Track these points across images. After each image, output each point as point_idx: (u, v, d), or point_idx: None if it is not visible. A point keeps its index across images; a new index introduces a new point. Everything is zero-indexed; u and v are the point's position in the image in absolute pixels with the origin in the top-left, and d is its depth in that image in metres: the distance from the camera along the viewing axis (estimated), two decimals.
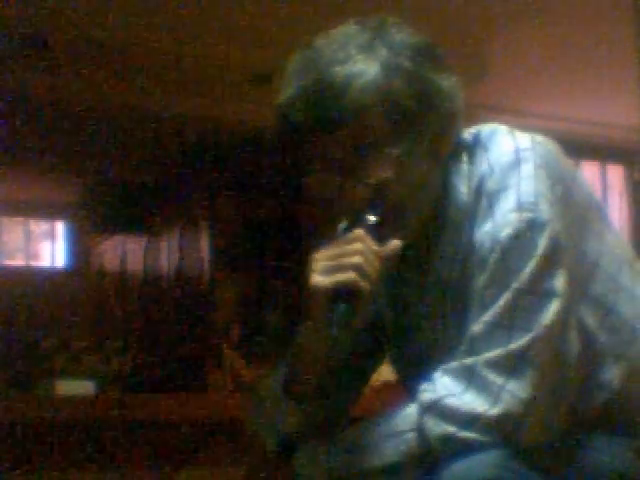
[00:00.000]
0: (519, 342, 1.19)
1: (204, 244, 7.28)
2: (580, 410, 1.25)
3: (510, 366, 1.18)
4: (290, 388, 1.32)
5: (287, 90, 1.26)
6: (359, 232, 1.26)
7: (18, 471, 3.05)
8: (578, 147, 6.05)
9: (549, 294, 1.20)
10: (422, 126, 1.27)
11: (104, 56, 5.48)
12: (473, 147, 1.33)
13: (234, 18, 5.01)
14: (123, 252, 9.02)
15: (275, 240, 7.09)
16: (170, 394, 5.37)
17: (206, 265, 7.23)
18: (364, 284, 1.23)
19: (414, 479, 1.20)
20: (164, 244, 8.07)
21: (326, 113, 1.23)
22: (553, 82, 6.04)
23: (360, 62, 1.24)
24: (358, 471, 1.23)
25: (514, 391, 1.17)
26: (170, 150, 7.31)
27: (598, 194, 7.10)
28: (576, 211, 1.28)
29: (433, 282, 1.33)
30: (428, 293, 1.33)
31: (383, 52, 1.25)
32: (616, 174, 7.39)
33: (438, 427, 1.18)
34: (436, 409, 1.19)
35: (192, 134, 6.89)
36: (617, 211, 7.28)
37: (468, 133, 1.36)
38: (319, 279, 1.25)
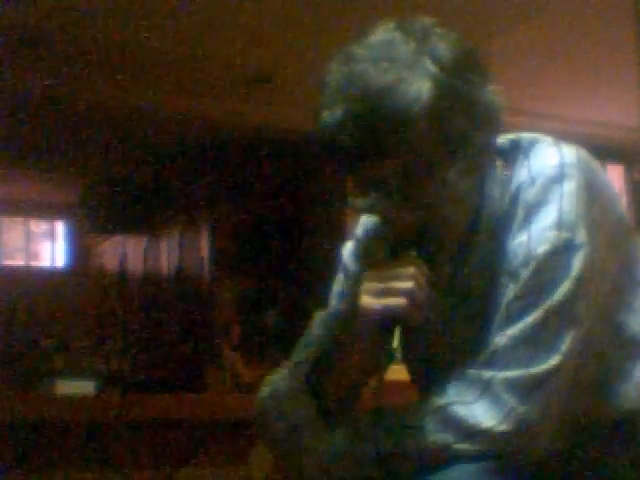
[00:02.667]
0: (540, 367, 1.18)
1: (204, 244, 7.29)
2: (588, 426, 1.26)
3: (526, 390, 1.18)
4: (315, 390, 1.32)
5: (334, 110, 1.20)
6: (412, 255, 1.25)
7: (18, 471, 3.05)
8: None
9: (575, 320, 1.20)
10: (472, 145, 1.24)
11: (104, 56, 5.48)
12: (511, 154, 1.32)
13: (234, 18, 5.01)
14: (123, 252, 9.02)
15: (275, 240, 7.09)
16: (170, 394, 5.36)
17: (206, 265, 7.23)
18: (414, 311, 1.23)
19: (412, 473, 1.21)
20: (164, 244, 8.07)
21: (380, 140, 1.19)
22: (553, 82, 6.04)
23: (413, 84, 1.18)
24: (362, 456, 1.23)
25: (525, 415, 1.18)
26: (170, 150, 7.31)
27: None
28: (607, 233, 1.27)
29: (460, 286, 1.32)
30: (453, 296, 1.32)
31: (432, 69, 1.20)
32: (616, 174, 7.39)
33: (437, 433, 1.19)
34: (441, 414, 1.20)
35: (192, 134, 6.89)
36: None
37: (505, 138, 1.34)
38: (369, 301, 1.23)
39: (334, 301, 1.47)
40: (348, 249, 1.48)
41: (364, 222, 1.47)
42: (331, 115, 1.20)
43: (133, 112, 6.32)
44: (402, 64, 1.20)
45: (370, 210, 1.28)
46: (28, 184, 8.98)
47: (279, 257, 7.06)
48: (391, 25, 1.25)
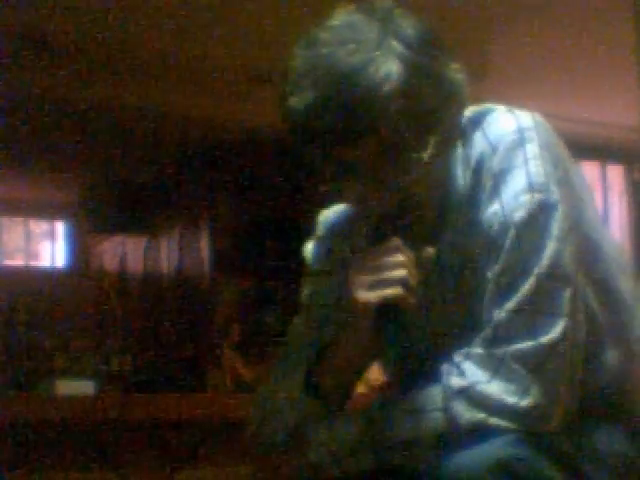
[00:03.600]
0: (548, 335, 1.19)
1: (204, 244, 7.29)
2: (582, 393, 1.25)
3: (538, 361, 1.19)
4: (315, 390, 1.32)
5: (303, 95, 1.18)
6: (397, 242, 1.24)
7: (18, 471, 3.05)
8: (578, 147, 6.04)
9: (567, 277, 1.21)
10: (442, 122, 1.23)
11: (104, 56, 5.48)
12: (467, 129, 1.31)
13: (234, 18, 5.01)
14: (123, 252, 9.01)
15: (275, 240, 7.09)
16: (170, 394, 5.36)
17: (206, 265, 7.23)
18: (409, 298, 1.23)
19: (428, 457, 1.21)
20: (164, 244, 8.07)
21: (353, 122, 1.17)
22: (553, 82, 6.04)
23: (382, 64, 1.17)
24: (376, 444, 1.23)
25: (542, 385, 1.18)
26: (170, 150, 7.31)
27: (598, 194, 7.11)
28: (575, 193, 1.28)
29: (435, 267, 1.31)
30: (431, 277, 1.32)
31: (399, 48, 1.19)
32: (616, 174, 7.39)
33: (468, 412, 1.19)
34: (466, 395, 1.20)
35: (192, 134, 6.89)
36: (617, 211, 7.28)
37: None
38: (364, 295, 1.23)
39: (306, 305, 1.45)
40: (310, 249, 1.49)
41: (324, 219, 1.47)
42: (300, 100, 1.19)
43: (133, 112, 6.32)
44: (369, 45, 1.19)
45: (346, 195, 1.27)
46: (28, 184, 8.97)
47: (279, 257, 7.06)
48: (351, 8, 1.25)
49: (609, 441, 1.26)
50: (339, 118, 1.17)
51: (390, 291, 1.22)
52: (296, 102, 1.19)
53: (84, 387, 4.41)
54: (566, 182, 1.25)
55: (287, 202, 7.09)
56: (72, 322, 8.97)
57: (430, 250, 1.27)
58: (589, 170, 7.04)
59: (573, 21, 5.14)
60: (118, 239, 9.07)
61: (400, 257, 1.23)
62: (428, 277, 1.30)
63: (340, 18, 1.24)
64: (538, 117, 1.30)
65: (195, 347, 7.24)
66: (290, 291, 7.15)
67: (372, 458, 1.24)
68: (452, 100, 1.25)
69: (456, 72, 1.26)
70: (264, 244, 7.08)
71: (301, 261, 1.52)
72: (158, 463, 3.27)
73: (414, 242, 1.27)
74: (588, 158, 6.95)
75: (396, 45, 1.20)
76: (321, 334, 1.39)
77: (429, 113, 1.21)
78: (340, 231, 1.43)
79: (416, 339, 1.36)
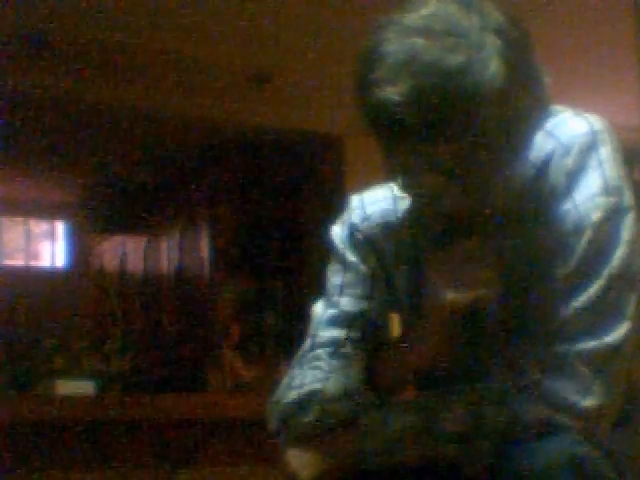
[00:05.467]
0: (613, 336, 1.19)
1: (204, 244, 7.28)
2: None
3: (602, 361, 1.19)
4: (369, 382, 1.33)
5: (398, 86, 1.12)
6: (478, 241, 1.25)
7: (18, 471, 3.05)
8: None
9: (634, 283, 1.22)
10: (529, 122, 1.21)
11: (104, 56, 5.48)
12: None
13: (234, 18, 5.01)
14: (123, 252, 9.01)
15: (275, 241, 7.09)
16: (170, 394, 5.36)
17: (206, 265, 7.23)
18: (494, 297, 1.24)
19: (484, 451, 1.20)
20: (164, 244, 8.07)
21: (450, 123, 1.13)
22: (553, 82, 6.03)
23: (487, 64, 1.12)
24: (432, 434, 1.23)
25: (605, 385, 1.19)
26: (170, 150, 7.31)
27: None
28: (635, 197, 1.29)
29: (497, 259, 1.30)
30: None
31: (501, 47, 1.14)
32: None
33: (533, 409, 1.19)
34: (530, 391, 1.20)
35: (192, 134, 6.89)
36: None
37: None
38: (454, 296, 1.23)
39: (335, 295, 1.42)
40: (340, 236, 1.43)
41: (359, 205, 1.43)
42: (395, 91, 1.12)
43: (133, 112, 6.32)
44: (470, 40, 1.13)
45: (425, 192, 1.22)
46: (28, 184, 8.97)
47: (279, 257, 7.06)
48: None
49: (627, 448, 1.27)
50: (438, 115, 1.12)
51: (478, 292, 1.22)
52: (391, 92, 1.12)
53: (84, 387, 4.41)
54: (632, 187, 1.27)
55: (287, 202, 7.08)
56: (72, 322, 8.97)
57: (504, 249, 1.27)
58: None
59: (573, 21, 5.14)
60: (118, 239, 9.07)
61: (483, 257, 1.23)
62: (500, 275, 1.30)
63: (433, 6, 1.17)
64: (606, 121, 1.31)
65: (195, 347, 7.24)
66: (290, 291, 7.17)
67: (426, 448, 1.23)
68: (543, 102, 1.24)
69: (544, 72, 1.26)
70: (264, 244, 7.08)
71: (324, 247, 1.47)
72: (158, 463, 3.27)
73: (485, 240, 1.27)
74: None
75: (498, 42, 1.15)
76: (357, 328, 1.37)
77: (523, 115, 1.19)
78: (382, 222, 1.40)
79: (481, 334, 1.35)
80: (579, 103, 1.30)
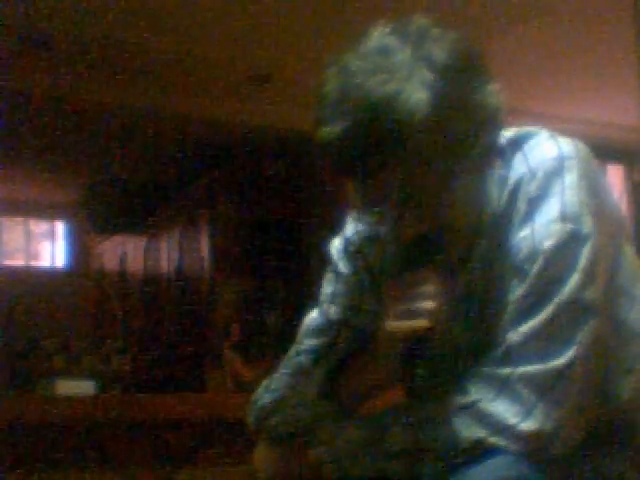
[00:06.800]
0: (558, 360, 1.19)
1: (204, 244, 7.29)
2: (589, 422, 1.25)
3: (545, 384, 1.19)
4: (330, 392, 1.35)
5: (333, 126, 1.18)
6: (428, 272, 1.25)
7: (18, 471, 3.05)
8: None
9: (588, 310, 1.20)
10: (476, 148, 1.23)
11: (104, 56, 5.48)
12: (506, 150, 1.31)
13: (234, 18, 5.01)
14: (123, 252, 9.02)
15: (275, 240, 7.09)
16: (170, 394, 5.36)
17: (206, 265, 7.23)
18: (437, 328, 1.23)
19: (428, 469, 1.22)
20: (164, 244, 8.07)
21: (381, 154, 1.17)
22: (553, 82, 6.04)
23: (411, 95, 1.16)
24: (378, 450, 1.24)
25: (546, 410, 1.18)
26: (170, 150, 7.31)
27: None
28: (606, 224, 1.27)
29: (461, 285, 1.32)
30: (455, 295, 1.32)
31: (429, 77, 1.18)
32: (616, 174, 7.39)
33: (468, 429, 1.20)
34: (468, 412, 1.21)
35: (192, 134, 6.90)
36: None
37: (501, 136, 1.32)
38: (395, 324, 1.24)
39: (326, 304, 1.46)
40: (337, 247, 1.47)
41: (354, 221, 1.46)
42: (330, 131, 1.19)
43: (133, 112, 6.32)
44: (399, 74, 1.17)
45: (378, 223, 1.27)
46: (28, 184, 8.98)
47: (279, 257, 7.06)
48: (386, 29, 1.23)
49: (616, 468, 1.27)
50: (366, 150, 1.17)
51: (417, 322, 1.22)
52: (328, 132, 1.19)
53: (84, 387, 4.41)
54: (600, 213, 1.24)
55: (287, 202, 7.09)
56: (72, 322, 8.98)
57: (460, 280, 1.28)
58: None
59: (573, 21, 5.14)
60: (118, 239, 9.08)
61: (431, 288, 1.23)
62: (457, 301, 1.31)
63: (373, 42, 1.22)
64: (581, 145, 1.29)
65: (195, 347, 7.24)
66: (290, 291, 7.17)
67: (372, 464, 1.25)
68: (485, 125, 1.23)
69: (491, 95, 1.24)
70: (264, 244, 7.08)
71: (322, 258, 1.51)
72: (158, 463, 3.27)
73: (447, 265, 1.28)
74: None
75: (427, 73, 1.18)
76: (341, 337, 1.40)
77: (460, 140, 1.20)
78: (371, 236, 1.43)
79: (440, 358, 1.36)
80: (579, 103, 1.29)
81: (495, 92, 1.25)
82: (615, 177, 7.38)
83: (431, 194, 1.21)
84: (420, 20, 1.24)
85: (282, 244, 7.07)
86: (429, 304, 1.22)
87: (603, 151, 7.43)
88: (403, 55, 1.19)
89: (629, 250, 1.33)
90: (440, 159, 1.19)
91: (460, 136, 1.20)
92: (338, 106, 1.19)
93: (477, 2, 4.86)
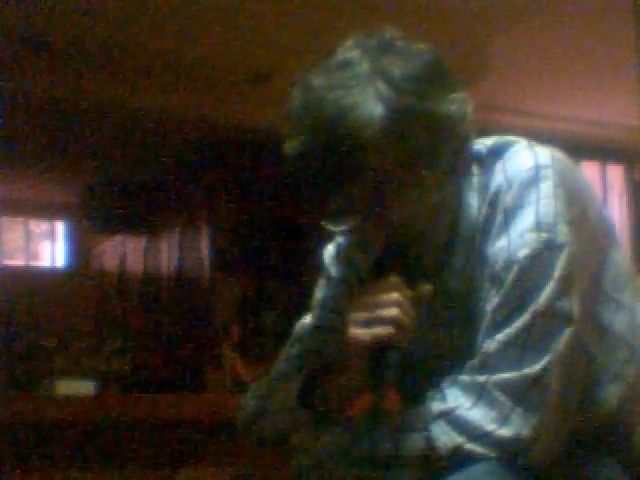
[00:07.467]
0: (533, 367, 1.19)
1: (204, 244, 7.29)
2: (576, 429, 1.25)
3: (521, 390, 1.19)
4: (311, 397, 1.34)
5: (295, 141, 1.23)
6: (393, 279, 1.25)
7: (18, 471, 3.05)
8: (578, 147, 6.05)
9: (564, 318, 1.21)
10: (436, 157, 1.24)
11: (104, 56, 5.48)
12: (487, 159, 1.32)
13: (234, 18, 5.01)
14: (123, 252, 9.02)
15: (274, 240, 7.09)
16: (170, 394, 5.36)
17: (206, 265, 7.23)
18: (401, 336, 1.23)
19: (406, 477, 1.22)
20: (164, 244, 8.07)
21: (339, 168, 1.21)
22: (553, 82, 6.04)
23: (364, 109, 1.19)
24: (357, 457, 1.24)
25: (523, 415, 1.18)
26: (170, 150, 7.31)
27: (598, 194, 7.10)
28: (588, 231, 1.27)
29: (440, 293, 1.32)
30: (435, 304, 1.32)
31: (384, 91, 1.20)
32: (616, 174, 7.39)
33: (446, 436, 1.20)
34: (446, 419, 1.21)
35: (192, 134, 6.90)
36: (617, 211, 7.28)
37: (480, 144, 1.34)
38: (357, 332, 1.24)
39: (316, 309, 1.47)
40: (330, 253, 1.49)
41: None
42: (292, 146, 1.23)
43: (133, 112, 6.33)
44: (356, 89, 1.20)
45: (345, 233, 1.31)
46: (28, 184, 8.98)
47: (279, 257, 7.06)
48: (351, 42, 1.25)
49: (603, 474, 1.26)
50: (326, 163, 1.21)
51: (381, 330, 1.23)
52: (290, 148, 1.24)
53: (84, 387, 4.41)
54: (579, 221, 1.25)
55: (287, 202, 7.09)
56: (72, 322, 8.98)
57: (428, 287, 1.27)
58: (589, 170, 7.04)
59: (573, 21, 5.14)
60: (118, 239, 9.08)
61: (394, 295, 1.23)
62: (431, 308, 1.31)
63: (337, 55, 1.25)
64: (558, 154, 1.30)
65: (195, 347, 7.24)
66: (290, 291, 7.17)
67: (351, 471, 1.25)
68: (448, 135, 1.24)
69: (453, 105, 1.24)
70: (264, 244, 7.08)
71: (315, 263, 1.52)
72: (158, 463, 3.27)
73: (416, 275, 1.28)
74: (588, 158, 6.95)
75: (382, 86, 1.20)
76: (327, 342, 1.41)
77: (420, 151, 1.22)
78: (359, 244, 1.43)
79: (417, 366, 1.37)
80: (579, 103, 1.29)
81: (460, 101, 1.26)
82: (615, 177, 7.38)
83: (394, 206, 1.23)
84: (386, 32, 1.26)
85: (282, 244, 7.07)
86: (393, 311, 1.23)
87: (603, 151, 7.46)
88: (361, 69, 1.22)
89: (617, 256, 1.34)
90: (401, 170, 1.21)
91: (421, 147, 1.22)
92: (300, 121, 1.23)
93: (477, 2, 4.86)
